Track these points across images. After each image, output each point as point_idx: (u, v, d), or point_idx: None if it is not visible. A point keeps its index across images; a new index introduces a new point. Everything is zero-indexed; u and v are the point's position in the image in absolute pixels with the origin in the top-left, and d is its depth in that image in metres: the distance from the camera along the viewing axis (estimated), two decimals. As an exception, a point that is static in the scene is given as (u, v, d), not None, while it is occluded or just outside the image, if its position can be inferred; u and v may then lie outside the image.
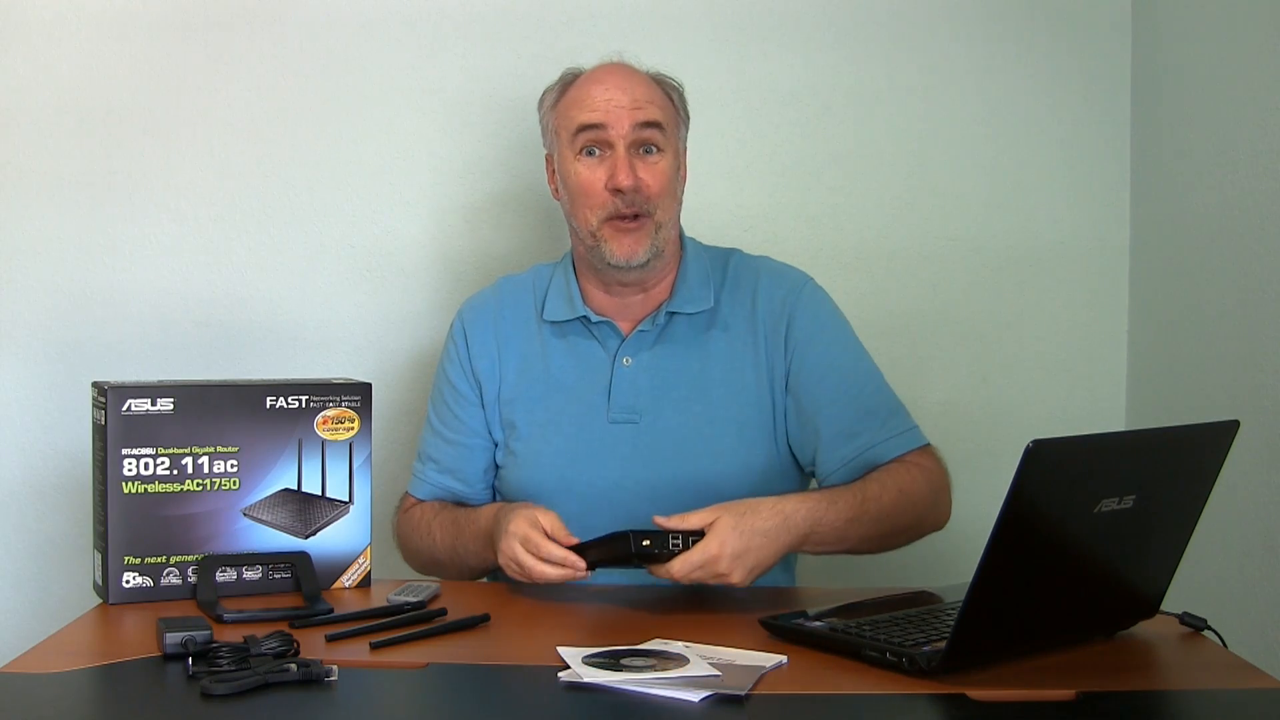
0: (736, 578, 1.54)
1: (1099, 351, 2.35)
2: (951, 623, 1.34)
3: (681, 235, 1.88)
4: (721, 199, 2.29)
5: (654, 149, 1.76)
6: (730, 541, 1.53)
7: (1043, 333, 2.35)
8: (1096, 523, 1.30)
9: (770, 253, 1.94)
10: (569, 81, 1.82)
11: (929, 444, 1.81)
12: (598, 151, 1.75)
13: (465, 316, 1.89)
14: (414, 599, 1.58)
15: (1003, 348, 2.35)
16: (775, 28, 2.30)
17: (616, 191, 1.73)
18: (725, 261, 1.87)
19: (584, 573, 1.56)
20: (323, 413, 1.69)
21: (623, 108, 1.74)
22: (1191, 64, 2.14)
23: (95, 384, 1.65)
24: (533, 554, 1.57)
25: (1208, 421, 1.47)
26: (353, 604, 1.62)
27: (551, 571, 1.56)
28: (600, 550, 1.57)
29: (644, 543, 1.52)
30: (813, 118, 2.31)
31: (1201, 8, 2.11)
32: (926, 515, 1.76)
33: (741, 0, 2.30)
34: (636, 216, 1.75)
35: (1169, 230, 2.21)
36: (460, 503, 1.85)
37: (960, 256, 2.33)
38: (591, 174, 1.75)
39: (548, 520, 1.59)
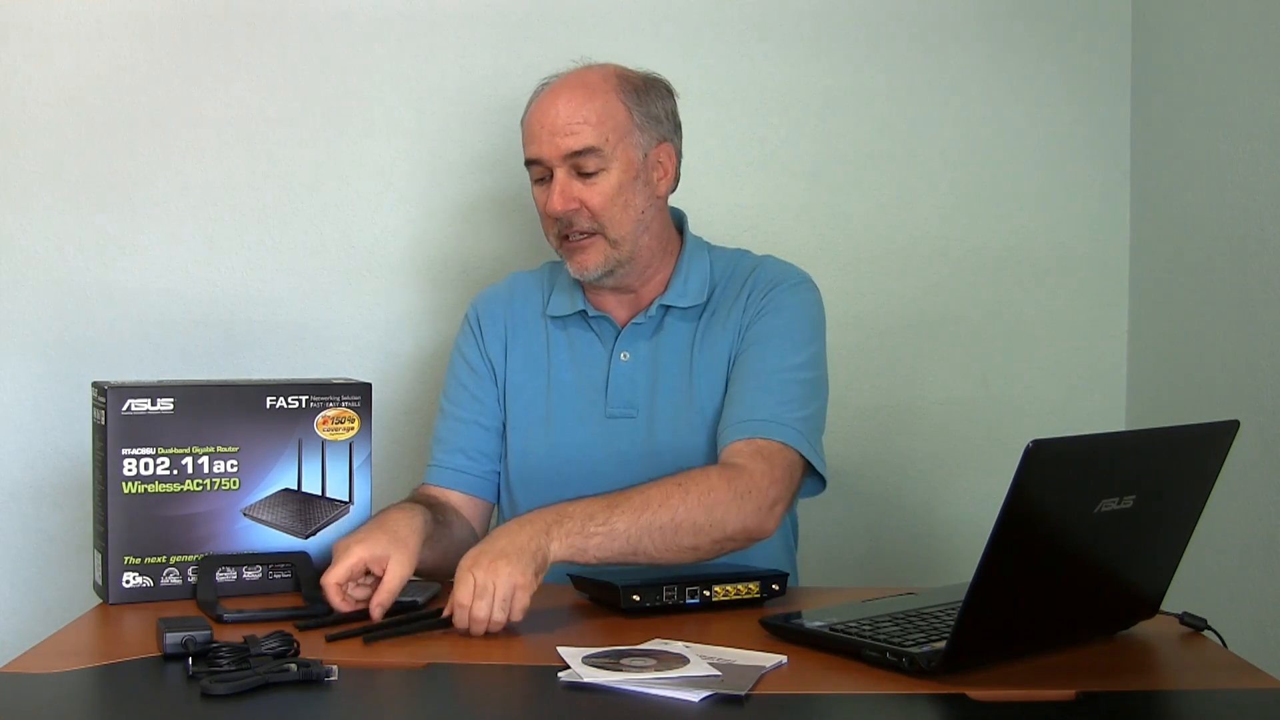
0: (505, 567, 1.45)
1: (1099, 351, 2.35)
2: (951, 623, 1.34)
3: (685, 232, 1.89)
4: (721, 199, 2.29)
5: (594, 170, 1.76)
6: (467, 559, 1.48)
7: (1043, 333, 2.35)
8: (1096, 523, 1.30)
9: (770, 253, 1.94)
10: (528, 105, 1.84)
11: (792, 449, 1.68)
12: (546, 178, 1.79)
13: (478, 306, 1.93)
14: (415, 598, 1.58)
15: (1003, 348, 2.35)
16: (775, 28, 2.30)
17: (555, 217, 1.77)
18: (731, 260, 1.88)
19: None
20: (323, 413, 1.69)
21: (556, 136, 1.75)
22: (1191, 64, 2.14)
23: (95, 384, 1.65)
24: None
25: (1208, 421, 1.47)
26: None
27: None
28: (593, 590, 1.61)
29: (634, 597, 1.54)
30: (813, 118, 2.31)
31: (1201, 8, 2.11)
32: (720, 518, 1.61)
33: (741, 0, 2.30)
34: (586, 235, 1.77)
35: (1169, 230, 2.21)
36: (467, 487, 1.85)
37: (960, 256, 2.33)
38: (541, 198, 1.80)
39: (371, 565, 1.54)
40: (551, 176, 1.78)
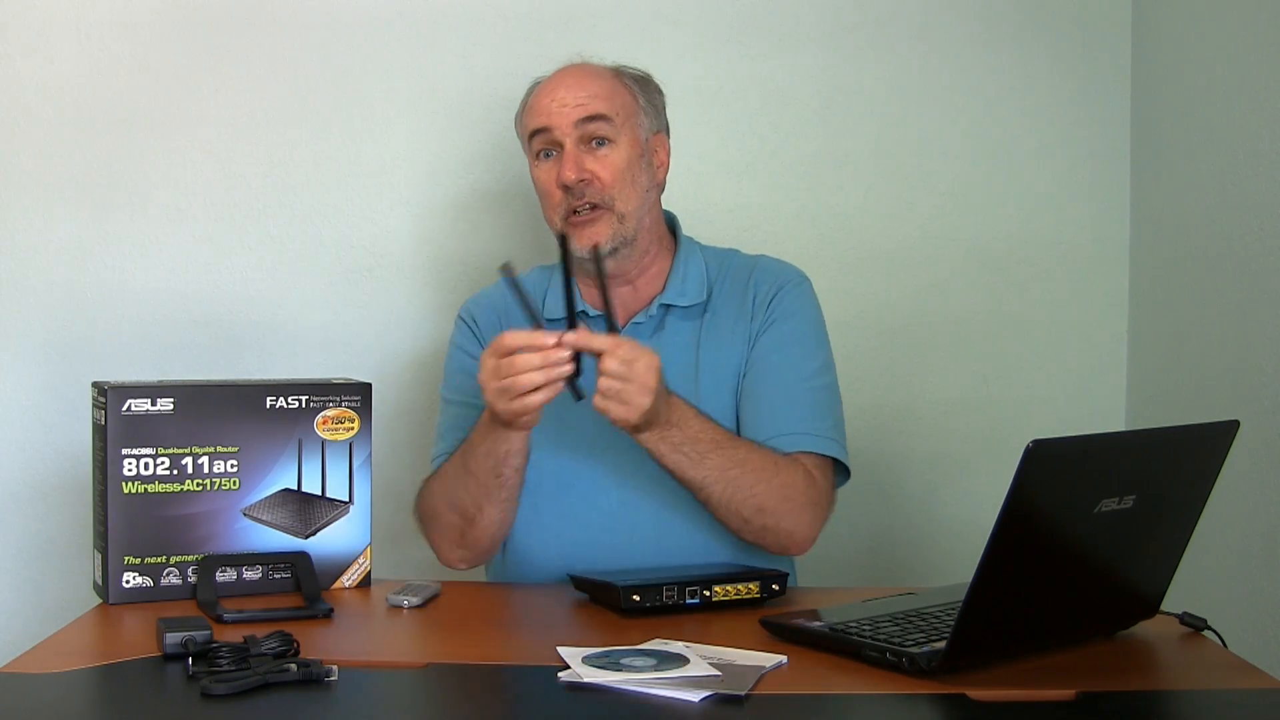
0: (641, 402, 1.55)
1: (1099, 351, 2.35)
2: (951, 623, 1.34)
3: (677, 231, 1.89)
4: (721, 199, 2.29)
5: (604, 141, 1.78)
6: (648, 367, 1.56)
7: (1043, 333, 2.35)
8: (1096, 523, 1.30)
9: (770, 253, 1.94)
10: (527, 94, 1.85)
11: (839, 462, 1.76)
12: (552, 153, 1.79)
13: (471, 308, 1.92)
14: (414, 599, 1.58)
15: (1003, 348, 2.35)
16: (774, 28, 2.31)
17: (566, 188, 1.76)
18: (724, 259, 1.88)
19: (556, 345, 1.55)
20: (323, 413, 1.69)
21: (566, 106, 1.77)
22: (1191, 64, 2.14)
23: (95, 384, 1.65)
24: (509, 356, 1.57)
25: (1208, 421, 1.47)
26: (353, 604, 1.63)
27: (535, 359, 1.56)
28: (593, 590, 1.61)
29: (634, 597, 1.54)
30: (812, 118, 2.31)
31: (1201, 8, 2.11)
32: (784, 511, 1.68)
33: (742, 0, 2.30)
34: (594, 208, 1.77)
35: (1169, 230, 2.21)
36: None
37: (960, 256, 2.33)
38: (547, 175, 1.79)
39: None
40: (557, 152, 1.78)
